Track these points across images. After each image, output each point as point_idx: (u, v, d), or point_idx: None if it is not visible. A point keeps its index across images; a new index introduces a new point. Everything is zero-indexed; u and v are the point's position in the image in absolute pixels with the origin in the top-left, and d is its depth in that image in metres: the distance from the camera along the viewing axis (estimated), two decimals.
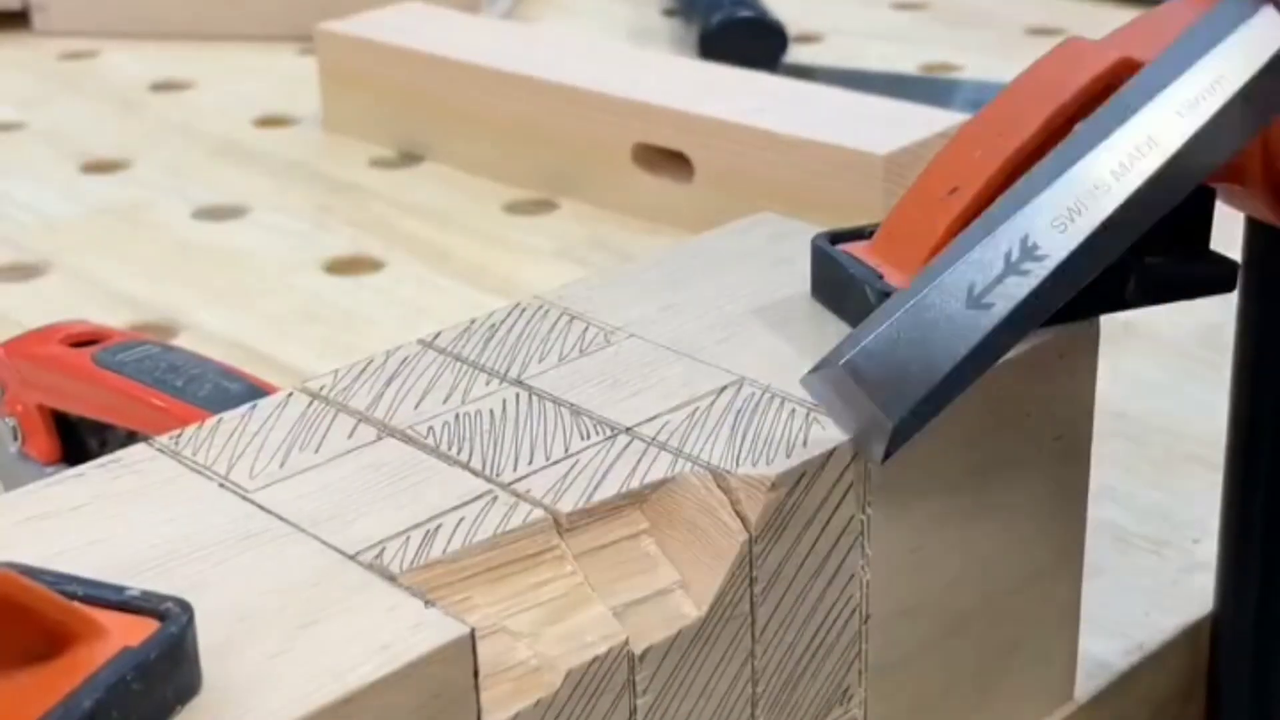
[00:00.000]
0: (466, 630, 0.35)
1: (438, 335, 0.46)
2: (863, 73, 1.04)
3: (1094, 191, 0.40)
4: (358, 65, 0.97)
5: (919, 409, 0.39)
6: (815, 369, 0.40)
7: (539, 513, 0.38)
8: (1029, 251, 0.39)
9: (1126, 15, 0.47)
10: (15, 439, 0.56)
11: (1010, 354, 0.44)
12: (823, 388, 0.40)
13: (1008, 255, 0.39)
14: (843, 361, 0.39)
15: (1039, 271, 0.39)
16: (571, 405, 0.43)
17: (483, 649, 0.35)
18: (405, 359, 0.45)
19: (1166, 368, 0.71)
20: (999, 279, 0.39)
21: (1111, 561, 0.57)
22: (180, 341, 0.72)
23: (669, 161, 0.84)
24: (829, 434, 0.41)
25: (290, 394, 0.44)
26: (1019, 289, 0.39)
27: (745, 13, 1.05)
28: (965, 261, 0.39)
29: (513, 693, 0.36)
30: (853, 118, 0.81)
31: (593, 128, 0.87)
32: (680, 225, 0.81)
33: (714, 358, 0.44)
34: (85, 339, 0.56)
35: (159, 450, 0.41)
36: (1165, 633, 0.54)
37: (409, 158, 0.95)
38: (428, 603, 0.35)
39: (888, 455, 0.39)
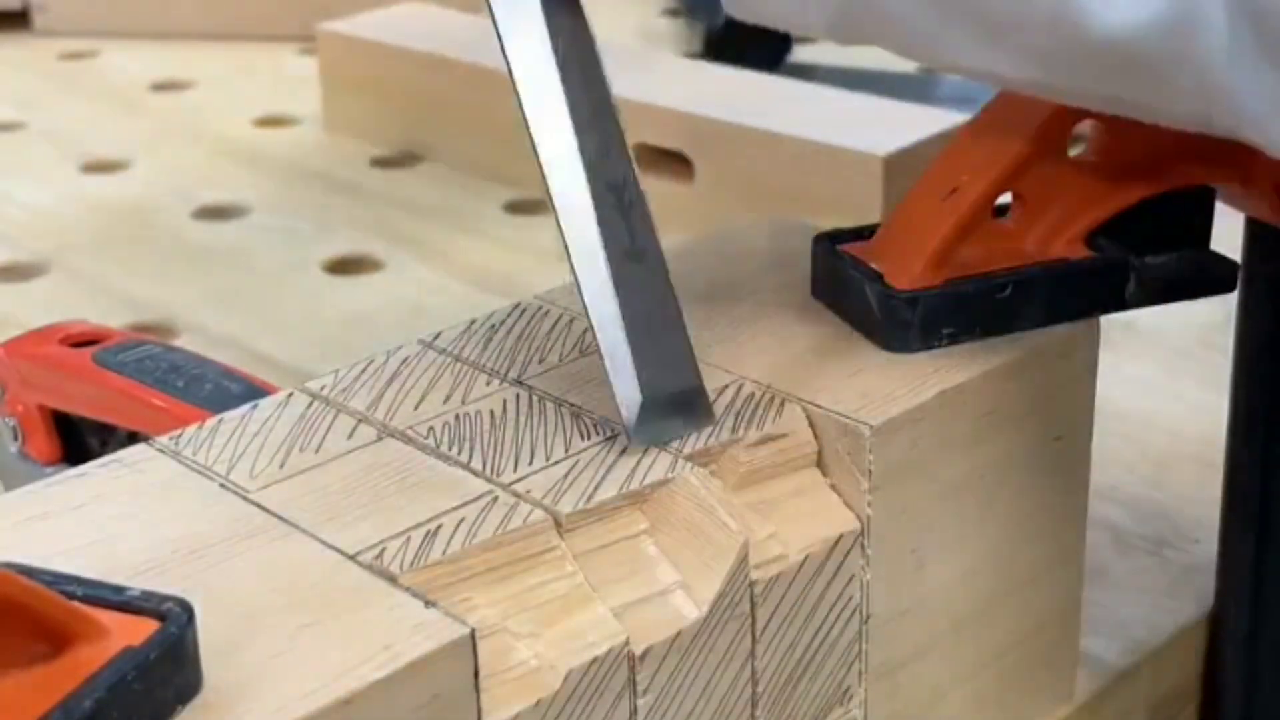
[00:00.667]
0: (466, 631, 0.35)
1: (438, 335, 0.46)
2: (863, 72, 1.04)
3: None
4: (358, 65, 0.97)
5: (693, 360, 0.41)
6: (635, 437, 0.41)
7: (539, 513, 0.38)
8: (620, 189, 0.41)
9: None
10: (15, 439, 0.56)
11: (1011, 354, 0.44)
12: (650, 433, 0.41)
13: (616, 206, 0.41)
14: (646, 401, 0.40)
15: (636, 196, 0.41)
16: (571, 405, 0.43)
17: (483, 649, 0.35)
18: (405, 359, 0.45)
19: (1166, 368, 0.71)
20: (625, 228, 0.41)
21: (1111, 561, 0.57)
22: (180, 342, 0.72)
23: (669, 162, 0.84)
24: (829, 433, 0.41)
25: (290, 394, 0.44)
26: (642, 222, 0.41)
27: None
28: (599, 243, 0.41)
29: (513, 693, 0.36)
30: (853, 118, 0.81)
31: None
32: (680, 225, 0.81)
33: (714, 358, 0.44)
34: (85, 339, 0.56)
35: (159, 450, 0.41)
36: (1165, 633, 0.54)
37: (409, 158, 0.95)
38: (428, 603, 0.35)
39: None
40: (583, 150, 0.41)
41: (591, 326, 0.41)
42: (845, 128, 0.79)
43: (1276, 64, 0.34)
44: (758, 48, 1.01)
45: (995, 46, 0.37)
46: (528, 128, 0.41)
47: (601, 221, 0.41)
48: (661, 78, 0.88)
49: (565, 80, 0.41)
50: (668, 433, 0.41)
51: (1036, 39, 0.36)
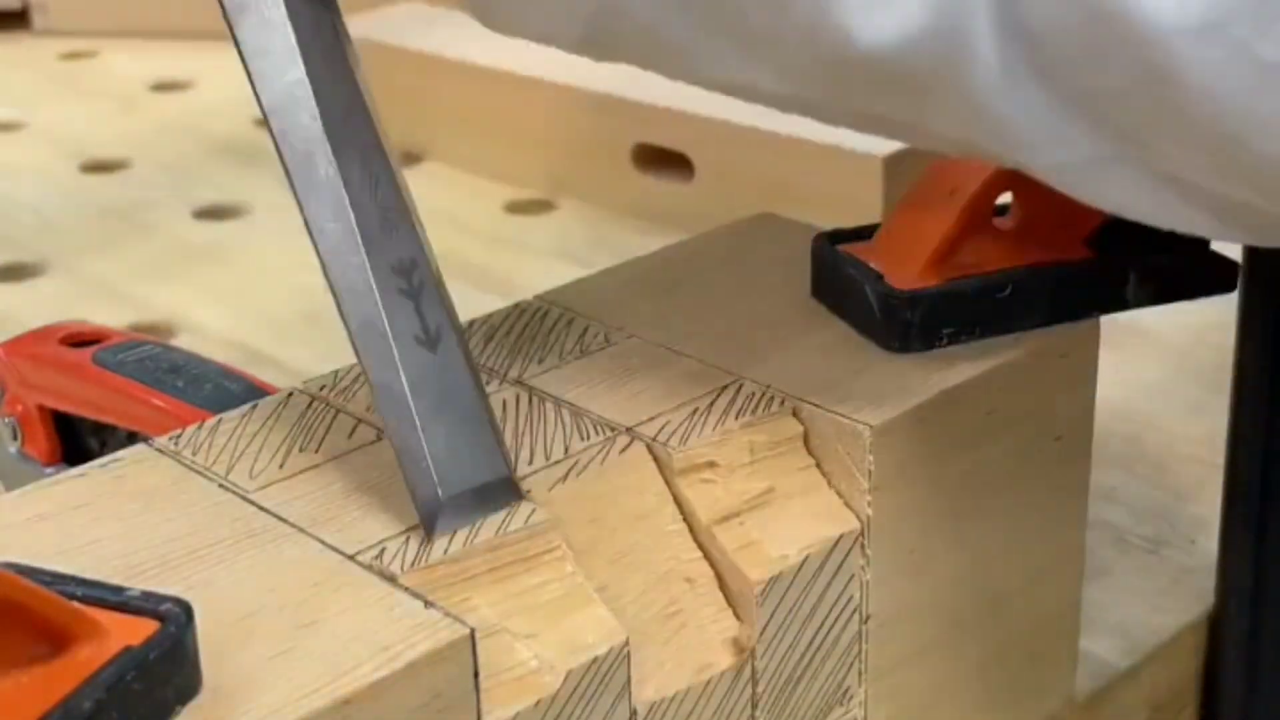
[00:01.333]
0: (466, 631, 0.35)
1: None
2: None
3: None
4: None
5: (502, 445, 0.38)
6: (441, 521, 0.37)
7: (539, 513, 0.38)
8: (408, 270, 0.37)
9: None
10: (15, 439, 0.56)
11: (1011, 354, 0.44)
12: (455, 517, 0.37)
13: (403, 289, 0.37)
14: (448, 496, 0.37)
15: (428, 277, 0.38)
16: (571, 405, 0.43)
17: (483, 649, 0.35)
18: None
19: (1166, 368, 0.71)
20: (417, 312, 0.37)
21: (1111, 561, 0.57)
22: (180, 342, 0.72)
23: (669, 162, 0.84)
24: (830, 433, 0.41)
25: (290, 394, 0.44)
26: (435, 304, 0.38)
27: None
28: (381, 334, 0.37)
29: (513, 693, 0.36)
30: None
31: (593, 128, 0.87)
32: (680, 225, 0.81)
33: (714, 358, 0.44)
34: (85, 339, 0.56)
35: (159, 450, 0.41)
36: (1165, 633, 0.54)
37: (409, 158, 0.95)
38: (428, 603, 0.35)
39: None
40: (362, 227, 0.37)
41: (382, 421, 0.37)
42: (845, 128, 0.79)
43: (1048, 87, 0.32)
44: None
45: (753, 59, 0.35)
46: (296, 197, 0.38)
47: (386, 308, 0.37)
48: (661, 77, 0.88)
49: (330, 133, 0.37)
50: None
51: (796, 52, 0.35)
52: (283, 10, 0.38)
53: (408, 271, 0.37)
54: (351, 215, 0.37)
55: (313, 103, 0.38)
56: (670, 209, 0.84)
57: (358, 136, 0.38)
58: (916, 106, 0.35)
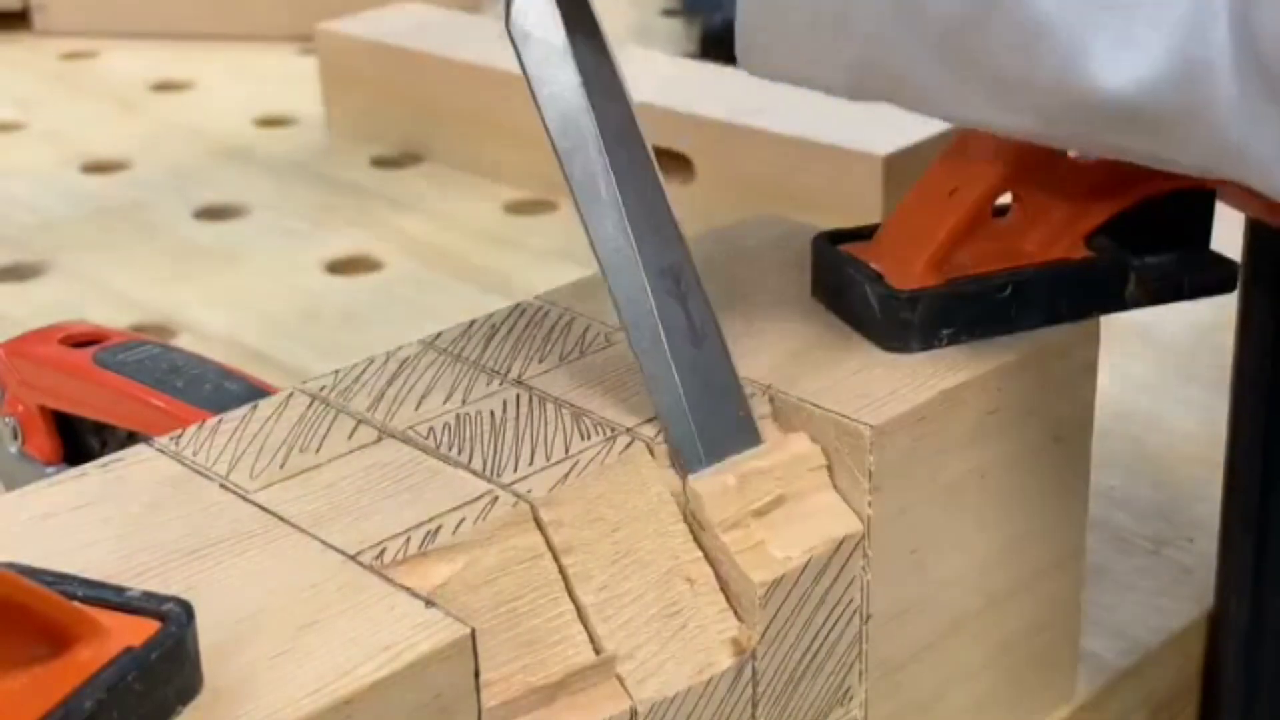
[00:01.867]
0: (467, 630, 0.35)
1: (438, 336, 0.46)
2: None
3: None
4: (358, 65, 0.97)
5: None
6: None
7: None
8: (676, 275, 0.42)
9: None
10: (15, 439, 0.56)
11: (1011, 355, 0.44)
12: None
13: (671, 291, 0.41)
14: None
15: (693, 280, 0.42)
16: (571, 405, 0.43)
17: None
18: (405, 359, 0.45)
19: (1166, 368, 0.71)
20: (685, 311, 0.42)
21: (1111, 561, 0.57)
22: (180, 342, 0.72)
23: (670, 162, 0.84)
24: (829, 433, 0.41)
25: (290, 394, 0.44)
26: (699, 304, 0.42)
27: None
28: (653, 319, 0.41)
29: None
30: (852, 118, 0.81)
31: None
32: (680, 225, 0.81)
33: None
34: (85, 339, 0.56)
35: (160, 450, 0.41)
36: (1165, 633, 0.54)
37: (409, 158, 0.95)
38: (428, 603, 0.35)
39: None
40: (637, 240, 0.41)
41: (659, 412, 0.41)
42: (845, 127, 0.79)
43: None
44: None
45: (1004, 104, 0.38)
46: (579, 211, 0.41)
47: (660, 309, 0.41)
48: (661, 78, 0.88)
49: (613, 165, 0.41)
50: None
51: (1044, 97, 0.37)
52: (564, 38, 0.42)
53: (676, 276, 0.42)
54: (629, 229, 0.41)
55: (596, 131, 0.42)
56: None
57: (632, 157, 0.42)
58: (1161, 141, 0.37)
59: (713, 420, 0.41)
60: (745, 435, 0.42)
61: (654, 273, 0.41)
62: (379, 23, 0.98)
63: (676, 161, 0.84)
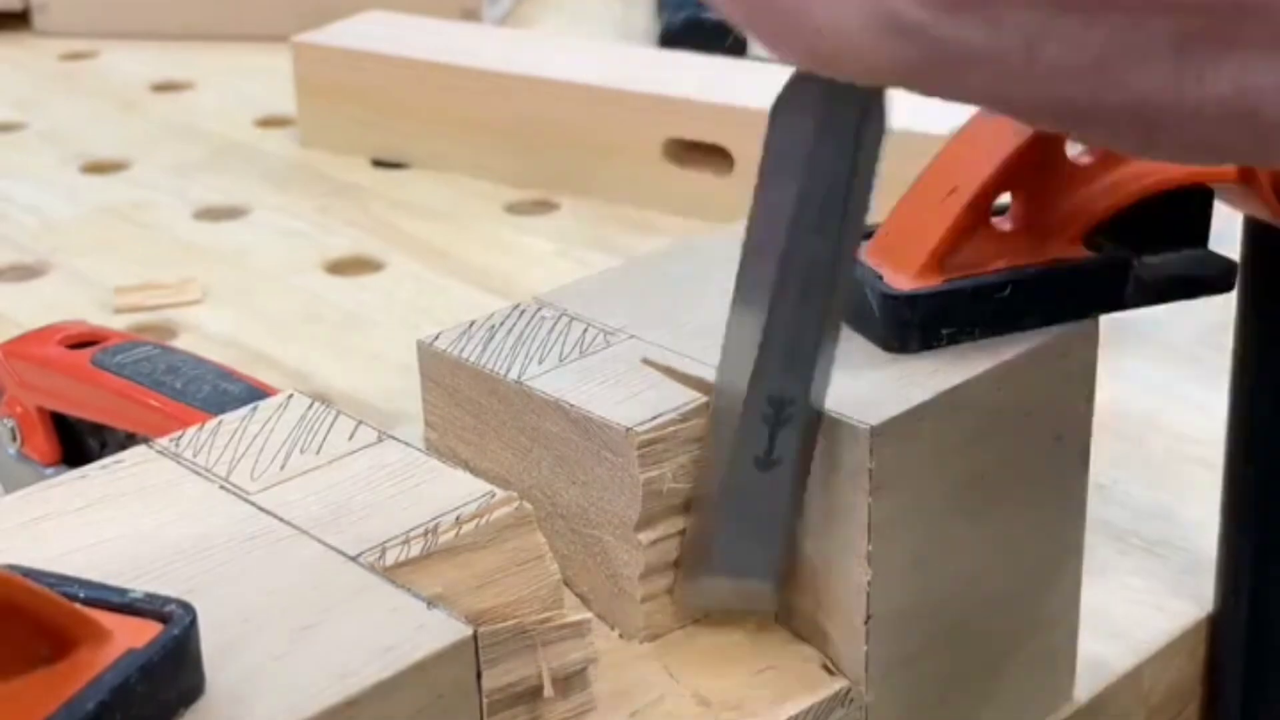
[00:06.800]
0: (469, 631, 0.35)
1: (438, 336, 0.46)
2: None
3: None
4: (337, 75, 0.95)
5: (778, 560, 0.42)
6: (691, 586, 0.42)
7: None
8: (781, 404, 0.40)
9: None
10: (14, 440, 0.56)
11: (1011, 354, 0.44)
12: (708, 596, 0.42)
13: (766, 416, 0.40)
14: (708, 575, 0.41)
15: (798, 416, 0.40)
16: (572, 405, 0.43)
17: None
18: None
19: (1166, 368, 0.71)
20: (772, 437, 0.40)
21: (1111, 561, 0.57)
22: (180, 342, 0.72)
23: (708, 156, 0.84)
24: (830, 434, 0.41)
25: (291, 395, 0.44)
26: (790, 439, 0.40)
27: (710, 15, 1.04)
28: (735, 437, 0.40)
29: None
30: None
31: (604, 126, 0.87)
32: (721, 218, 0.80)
33: (714, 358, 0.44)
34: (84, 340, 0.56)
35: (159, 452, 0.41)
36: (1165, 633, 0.54)
37: (411, 158, 0.95)
38: (430, 604, 0.35)
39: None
40: (765, 358, 0.40)
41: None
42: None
43: None
44: (716, 50, 0.99)
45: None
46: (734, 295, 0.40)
47: (743, 427, 0.40)
48: (697, 73, 0.89)
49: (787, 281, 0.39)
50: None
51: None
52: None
53: (779, 405, 0.40)
54: (762, 347, 0.39)
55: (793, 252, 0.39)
56: (710, 202, 0.83)
57: (819, 281, 0.39)
58: None
59: (735, 545, 0.41)
60: (758, 579, 0.41)
61: (761, 395, 0.40)
62: (381, 25, 0.98)
63: (715, 154, 0.84)
